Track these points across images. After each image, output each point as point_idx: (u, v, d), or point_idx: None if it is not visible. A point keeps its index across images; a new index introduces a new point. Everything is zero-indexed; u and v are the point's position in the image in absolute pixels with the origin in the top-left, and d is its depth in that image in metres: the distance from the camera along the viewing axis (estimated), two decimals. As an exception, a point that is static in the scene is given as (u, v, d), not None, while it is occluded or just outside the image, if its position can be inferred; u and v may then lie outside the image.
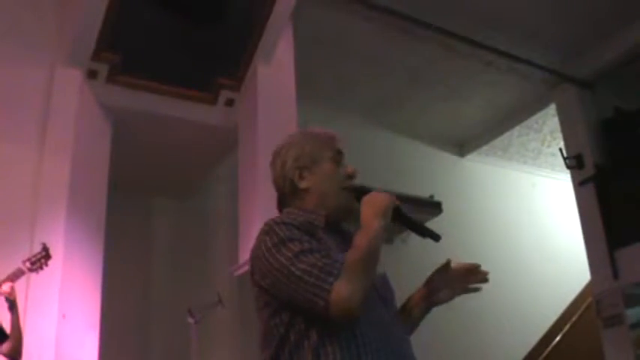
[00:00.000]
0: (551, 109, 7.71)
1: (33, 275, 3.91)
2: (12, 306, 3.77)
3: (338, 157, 2.17)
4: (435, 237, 2.17)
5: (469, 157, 8.74)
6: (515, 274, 8.08)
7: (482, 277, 2.43)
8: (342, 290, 1.79)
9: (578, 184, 7.03)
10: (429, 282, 2.31)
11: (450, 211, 7.56)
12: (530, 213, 8.80)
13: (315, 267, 1.84)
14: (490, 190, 8.64)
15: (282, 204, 2.20)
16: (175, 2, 5.23)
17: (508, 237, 8.35)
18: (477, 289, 2.40)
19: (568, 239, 8.10)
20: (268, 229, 1.95)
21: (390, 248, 7.37)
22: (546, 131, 8.36)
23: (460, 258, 8.00)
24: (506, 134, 8.39)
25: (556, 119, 7.65)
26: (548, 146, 8.61)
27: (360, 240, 1.89)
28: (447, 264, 2.37)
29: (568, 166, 7.12)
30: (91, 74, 5.29)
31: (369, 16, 6.13)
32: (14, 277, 3.80)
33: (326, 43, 6.50)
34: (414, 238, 7.96)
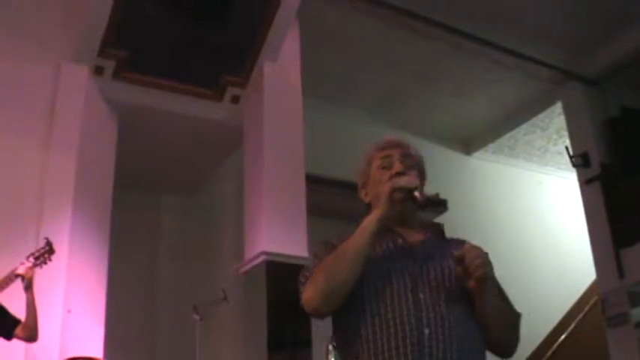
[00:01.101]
0: (558, 107, 7.69)
1: (38, 270, 3.92)
2: (28, 286, 3.78)
3: (383, 162, 2.21)
4: (434, 200, 2.13)
5: (475, 155, 8.73)
6: (520, 272, 8.05)
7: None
8: (307, 292, 1.99)
9: (584, 183, 7.02)
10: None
11: (456, 209, 7.55)
12: (536, 211, 8.79)
13: (303, 277, 2.07)
14: (496, 188, 8.63)
15: None
16: (182, 0, 5.24)
17: (514, 235, 8.33)
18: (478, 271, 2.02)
19: (574, 237, 8.09)
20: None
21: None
22: (552, 129, 8.34)
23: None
24: (513, 132, 8.38)
25: (562, 117, 7.63)
26: (555, 144, 8.59)
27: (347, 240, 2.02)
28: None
29: (574, 165, 7.11)
30: (98, 70, 5.30)
31: (375, 14, 6.13)
32: (6, 282, 3.80)
33: (332, 40, 6.50)
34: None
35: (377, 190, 2.14)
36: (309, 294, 1.98)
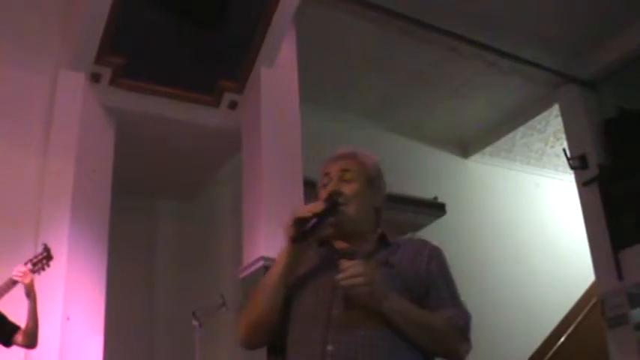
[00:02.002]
0: (555, 109, 7.70)
1: (37, 278, 3.92)
2: (28, 292, 3.77)
3: (323, 180, 2.19)
4: (335, 205, 2.06)
5: (473, 158, 8.74)
6: (519, 274, 8.08)
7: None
8: (238, 328, 2.08)
9: (582, 185, 7.03)
10: None
11: (454, 212, 7.56)
12: (535, 213, 8.79)
13: None
14: (494, 191, 8.64)
15: None
16: (178, 5, 5.24)
17: (512, 238, 8.34)
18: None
19: (572, 239, 8.09)
20: None
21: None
22: (550, 132, 8.35)
23: (465, 259, 8.06)
24: (510, 135, 8.39)
25: (559, 120, 7.64)
26: (552, 147, 8.60)
27: None
28: None
29: (572, 167, 7.12)
30: (94, 77, 5.30)
31: (372, 18, 6.14)
32: (4, 289, 3.79)
33: (329, 45, 6.51)
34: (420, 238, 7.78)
35: None
36: (239, 328, 2.07)
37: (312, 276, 2.05)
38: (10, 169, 4.84)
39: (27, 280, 3.77)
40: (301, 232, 1.98)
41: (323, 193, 2.13)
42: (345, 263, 1.91)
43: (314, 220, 1.98)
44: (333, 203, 2.05)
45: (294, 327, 2.02)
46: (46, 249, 3.99)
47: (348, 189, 2.11)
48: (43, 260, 3.94)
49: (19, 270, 3.77)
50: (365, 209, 2.15)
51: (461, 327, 2.01)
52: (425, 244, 2.17)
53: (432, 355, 2.01)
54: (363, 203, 2.14)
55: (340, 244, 2.13)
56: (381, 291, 1.91)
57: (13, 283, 3.75)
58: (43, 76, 5.16)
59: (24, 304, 3.82)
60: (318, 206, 2.02)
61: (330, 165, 2.20)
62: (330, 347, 1.90)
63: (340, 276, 1.88)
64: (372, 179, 2.21)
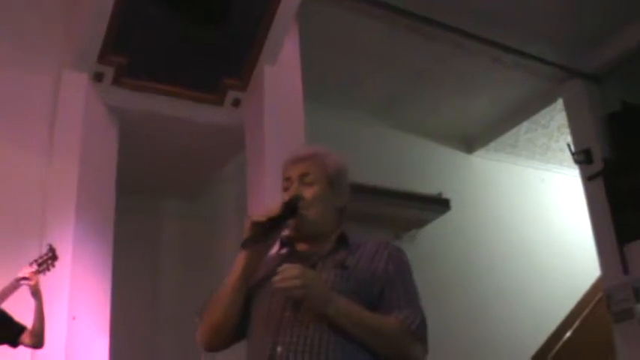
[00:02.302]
0: (559, 104, 7.69)
1: (42, 278, 3.92)
2: (34, 292, 3.78)
3: (285, 184, 2.21)
4: (294, 210, 2.09)
5: (477, 153, 8.72)
6: (524, 269, 8.07)
7: None
8: (198, 331, 2.13)
9: (587, 179, 7.01)
10: None
11: (459, 208, 7.56)
12: (539, 208, 8.78)
13: None
14: (499, 187, 8.63)
15: None
16: (180, 4, 5.23)
17: (517, 233, 8.33)
18: None
19: (578, 234, 8.08)
20: None
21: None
22: (554, 126, 8.33)
23: (470, 254, 8.04)
24: (514, 130, 8.37)
25: (564, 114, 7.63)
26: (557, 141, 8.58)
27: None
28: None
29: (576, 161, 7.11)
30: (97, 77, 5.30)
31: (376, 14, 6.12)
32: (10, 289, 3.80)
33: (332, 41, 6.50)
34: (423, 236, 7.96)
35: None
36: (198, 332, 2.13)
37: (270, 278, 2.00)
38: (14, 169, 4.84)
39: (34, 280, 3.78)
40: (251, 237, 2.04)
41: (285, 197, 2.14)
42: (283, 266, 1.94)
43: (267, 225, 2.03)
44: (291, 207, 2.08)
45: (251, 329, 2.06)
46: (51, 249, 4.00)
47: (308, 193, 2.12)
48: (48, 260, 3.96)
49: (24, 271, 3.78)
50: (326, 211, 2.15)
51: (413, 330, 1.98)
52: (386, 244, 2.15)
53: (385, 358, 1.99)
54: (324, 206, 2.15)
55: (301, 246, 2.16)
56: (322, 295, 1.91)
57: (18, 281, 3.76)
58: (45, 76, 5.16)
59: (29, 304, 3.83)
60: (273, 210, 2.05)
61: (290, 168, 2.21)
62: (279, 349, 1.91)
63: (275, 278, 1.91)
64: (333, 180, 2.19)
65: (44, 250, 4.04)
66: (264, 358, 1.92)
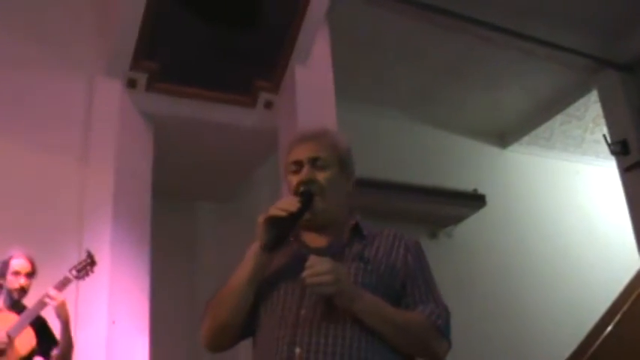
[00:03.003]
0: (593, 95, 7.61)
1: (82, 283, 3.97)
2: (58, 314, 3.82)
3: (293, 167, 2.04)
4: (311, 199, 1.92)
5: (511, 148, 8.66)
6: (562, 263, 7.99)
7: None
8: (202, 328, 2.01)
9: (624, 170, 6.93)
10: None
11: (495, 203, 7.51)
12: (575, 201, 8.69)
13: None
14: (534, 181, 8.56)
15: None
16: (210, 8, 5.26)
17: (554, 227, 8.26)
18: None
19: (615, 226, 7.99)
20: None
21: (434, 243, 7.34)
22: (589, 118, 8.24)
23: (507, 250, 7.95)
24: (548, 123, 8.29)
25: (598, 105, 7.54)
26: (592, 133, 8.49)
27: None
28: None
29: (613, 152, 7.03)
30: (131, 83, 5.35)
31: (405, 10, 6.11)
32: (61, 285, 3.85)
33: (361, 39, 6.50)
34: (460, 232, 7.92)
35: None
36: (203, 331, 2.00)
37: (281, 273, 1.94)
38: (51, 176, 4.90)
39: (56, 302, 3.80)
40: (274, 237, 1.85)
41: (293, 181, 2.00)
42: (311, 259, 1.80)
43: (288, 223, 1.85)
44: (308, 197, 1.92)
45: (261, 328, 1.93)
46: (90, 255, 4.04)
47: (321, 177, 1.98)
48: (87, 267, 3.99)
49: (50, 291, 3.80)
50: (340, 197, 2.02)
51: (439, 325, 1.88)
52: (401, 235, 2.02)
53: (410, 355, 1.90)
54: (337, 191, 2.01)
55: (311, 237, 2.01)
56: (351, 291, 1.80)
57: (45, 302, 3.79)
58: (79, 84, 5.22)
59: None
60: (292, 204, 1.88)
61: (300, 150, 2.04)
62: (297, 350, 1.78)
63: (305, 274, 1.78)
64: (345, 161, 2.06)
65: (83, 256, 4.08)
66: (278, 357, 1.80)
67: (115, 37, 5.25)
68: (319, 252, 1.89)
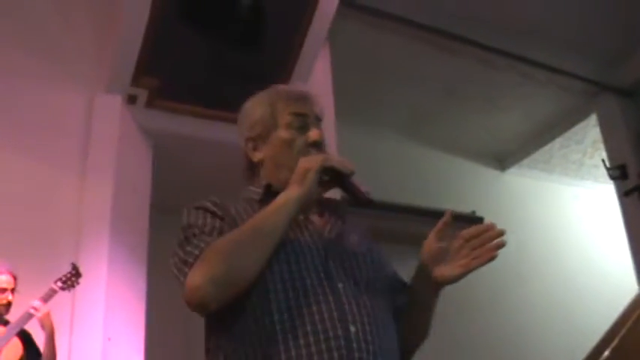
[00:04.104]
0: (592, 119, 7.63)
1: (78, 298, 4.00)
2: (42, 325, 3.84)
3: (299, 120, 1.80)
4: (369, 202, 1.67)
5: (510, 171, 8.67)
6: (559, 287, 7.98)
7: (497, 241, 1.80)
8: (190, 280, 1.54)
9: (623, 195, 6.94)
10: (425, 248, 1.80)
11: (492, 226, 7.50)
12: (574, 225, 8.69)
13: (176, 257, 1.64)
14: (532, 204, 8.56)
15: (245, 181, 1.96)
16: (212, 26, 5.28)
17: (552, 251, 8.25)
18: (492, 258, 1.78)
19: (613, 251, 7.99)
20: (181, 214, 1.74)
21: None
22: (588, 142, 8.26)
23: (504, 272, 7.96)
24: (547, 147, 8.31)
25: (597, 130, 7.57)
26: (591, 157, 8.50)
27: (253, 217, 1.61)
28: (447, 220, 1.81)
29: (611, 177, 7.03)
30: (131, 99, 5.35)
31: (404, 32, 6.13)
32: (47, 297, 3.88)
33: (361, 61, 6.52)
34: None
35: (281, 156, 1.77)
36: (197, 280, 1.53)
37: (287, 241, 1.63)
38: (50, 191, 4.90)
39: (40, 314, 3.82)
40: (340, 179, 1.65)
41: (295, 135, 1.78)
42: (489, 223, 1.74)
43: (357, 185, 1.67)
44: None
45: (281, 298, 1.55)
46: (75, 267, 4.09)
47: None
48: (72, 278, 4.04)
49: (35, 302, 3.83)
50: None
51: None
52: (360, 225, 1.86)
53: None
54: None
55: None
56: None
57: (29, 316, 3.81)
58: (79, 100, 5.22)
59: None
60: (351, 164, 1.69)
61: (306, 104, 1.87)
62: (352, 328, 1.52)
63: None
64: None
65: (89, 281, 4.14)
66: (338, 340, 1.49)
67: (116, 53, 5.26)
68: (323, 227, 1.73)
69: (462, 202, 7.53)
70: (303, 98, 1.89)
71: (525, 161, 8.57)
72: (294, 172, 1.67)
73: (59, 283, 3.98)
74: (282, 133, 1.79)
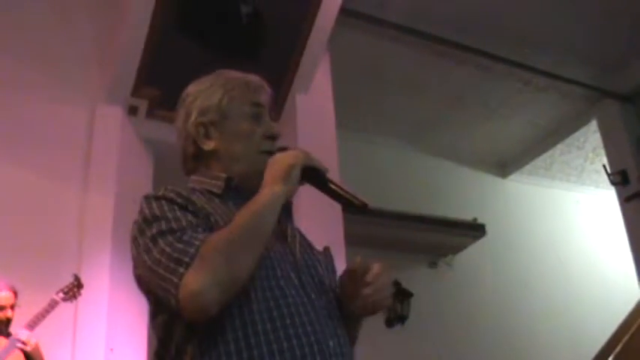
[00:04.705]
0: (593, 125, 7.63)
1: (80, 309, 4.00)
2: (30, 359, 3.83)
3: (257, 111, 1.72)
4: (363, 207, 1.63)
5: (511, 177, 8.67)
6: (561, 293, 7.97)
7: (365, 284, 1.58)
8: (191, 283, 1.37)
9: (624, 201, 6.94)
10: (340, 286, 1.66)
11: (495, 233, 7.50)
12: (575, 231, 8.69)
13: (164, 254, 1.44)
14: (534, 210, 8.55)
15: (185, 169, 1.83)
16: (212, 36, 5.29)
17: (554, 256, 8.24)
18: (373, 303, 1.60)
19: (615, 256, 7.98)
20: (140, 206, 1.61)
21: (433, 272, 7.32)
22: (589, 148, 8.26)
23: (507, 279, 7.93)
24: (549, 153, 8.31)
25: (598, 135, 7.57)
26: (592, 163, 8.50)
27: (240, 213, 1.49)
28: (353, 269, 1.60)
29: (612, 183, 7.04)
30: (132, 110, 5.36)
31: (405, 41, 6.14)
32: (49, 308, 3.89)
33: (362, 69, 6.53)
34: (460, 262, 7.89)
35: (239, 147, 1.68)
36: (200, 282, 1.38)
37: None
38: (51, 202, 4.91)
39: (29, 347, 3.80)
40: (318, 177, 1.62)
41: (254, 126, 1.70)
42: (374, 266, 1.55)
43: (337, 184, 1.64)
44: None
45: (261, 313, 1.45)
46: (77, 278, 4.12)
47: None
48: (74, 289, 4.06)
49: (23, 332, 3.82)
50: None
51: None
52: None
53: None
54: None
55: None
56: None
57: (16, 345, 3.80)
58: (81, 110, 5.23)
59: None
60: (325, 165, 1.66)
61: (263, 93, 1.79)
62: (331, 343, 1.49)
63: (382, 295, 1.57)
64: None
65: (84, 283, 4.11)
66: (318, 355, 1.44)
67: (116, 64, 5.28)
68: (285, 230, 1.66)
69: (464, 209, 7.53)
70: (261, 87, 1.79)
71: (527, 167, 8.57)
72: (248, 164, 1.65)
73: (61, 294, 4.00)
74: (242, 124, 1.69)
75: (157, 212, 1.53)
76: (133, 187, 5.27)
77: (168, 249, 1.44)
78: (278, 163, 1.59)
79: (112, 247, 4.86)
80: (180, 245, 1.43)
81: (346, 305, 1.61)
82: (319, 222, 5.29)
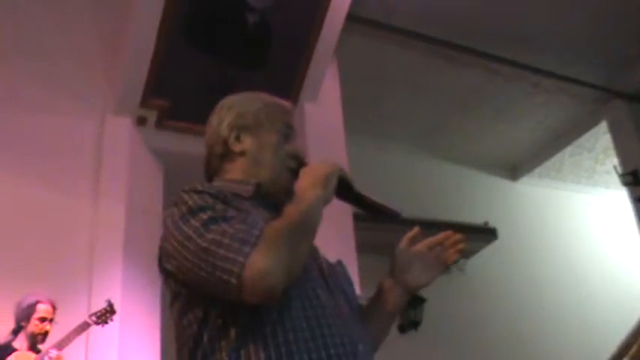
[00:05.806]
0: (603, 126, 7.60)
1: (92, 326, 4.00)
2: None
3: (287, 131, 1.80)
4: (396, 215, 1.77)
5: (522, 180, 8.65)
6: (574, 296, 7.93)
7: (458, 246, 1.88)
8: (260, 262, 1.37)
9: (636, 201, 6.90)
10: (394, 258, 1.83)
11: (506, 236, 7.47)
12: (587, 233, 8.65)
13: (225, 235, 1.42)
14: (545, 213, 8.52)
15: (209, 171, 1.85)
16: (219, 46, 5.30)
17: (565, 258, 8.20)
18: (455, 262, 1.89)
19: (627, 257, 7.94)
20: (177, 199, 1.59)
21: (446, 277, 7.29)
22: (599, 149, 8.23)
23: (519, 283, 7.88)
24: (559, 155, 8.29)
25: (608, 136, 7.54)
26: (602, 164, 8.47)
27: (289, 209, 1.51)
28: (414, 235, 1.91)
29: (624, 183, 7.00)
30: (141, 121, 5.37)
31: (413, 46, 6.14)
32: (80, 329, 3.90)
33: (370, 74, 6.53)
34: (472, 266, 7.85)
35: (266, 155, 1.73)
36: (270, 263, 1.38)
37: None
38: (62, 214, 4.91)
39: None
40: (353, 194, 1.69)
41: (286, 145, 1.78)
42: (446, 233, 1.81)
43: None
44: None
45: (297, 311, 1.47)
46: (110, 304, 4.13)
47: None
48: (106, 314, 4.09)
49: (52, 352, 3.84)
50: None
51: None
52: None
53: None
54: None
55: None
56: None
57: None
58: (90, 122, 5.25)
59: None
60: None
61: (292, 118, 1.88)
62: (360, 347, 1.51)
63: (447, 247, 1.82)
64: None
65: (95, 296, 4.20)
66: (342, 354, 1.45)
67: (125, 75, 5.29)
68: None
69: (475, 213, 7.51)
70: (291, 112, 1.90)
71: (537, 170, 8.54)
72: (271, 172, 1.69)
73: (94, 318, 4.03)
74: (273, 136, 1.77)
75: (202, 203, 1.52)
76: (144, 197, 5.29)
77: (231, 230, 1.43)
78: (316, 170, 1.63)
79: (124, 260, 4.86)
80: (243, 226, 1.44)
81: (402, 278, 1.77)
82: (330, 230, 5.28)
